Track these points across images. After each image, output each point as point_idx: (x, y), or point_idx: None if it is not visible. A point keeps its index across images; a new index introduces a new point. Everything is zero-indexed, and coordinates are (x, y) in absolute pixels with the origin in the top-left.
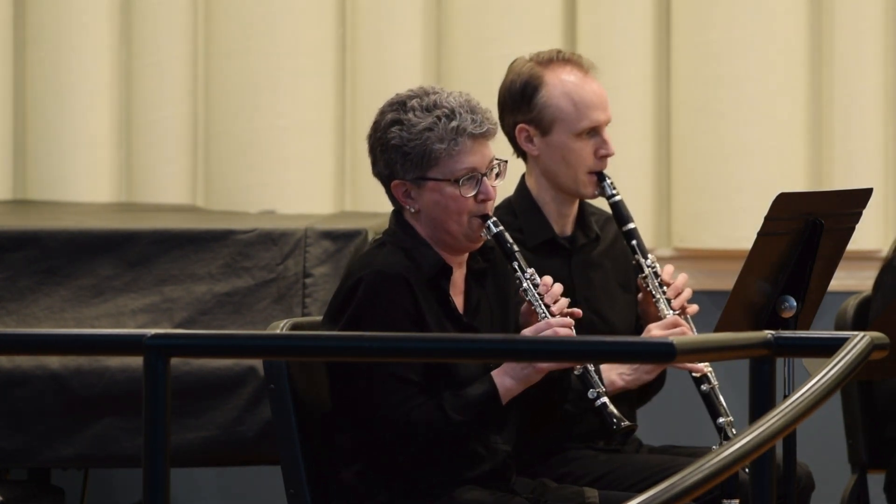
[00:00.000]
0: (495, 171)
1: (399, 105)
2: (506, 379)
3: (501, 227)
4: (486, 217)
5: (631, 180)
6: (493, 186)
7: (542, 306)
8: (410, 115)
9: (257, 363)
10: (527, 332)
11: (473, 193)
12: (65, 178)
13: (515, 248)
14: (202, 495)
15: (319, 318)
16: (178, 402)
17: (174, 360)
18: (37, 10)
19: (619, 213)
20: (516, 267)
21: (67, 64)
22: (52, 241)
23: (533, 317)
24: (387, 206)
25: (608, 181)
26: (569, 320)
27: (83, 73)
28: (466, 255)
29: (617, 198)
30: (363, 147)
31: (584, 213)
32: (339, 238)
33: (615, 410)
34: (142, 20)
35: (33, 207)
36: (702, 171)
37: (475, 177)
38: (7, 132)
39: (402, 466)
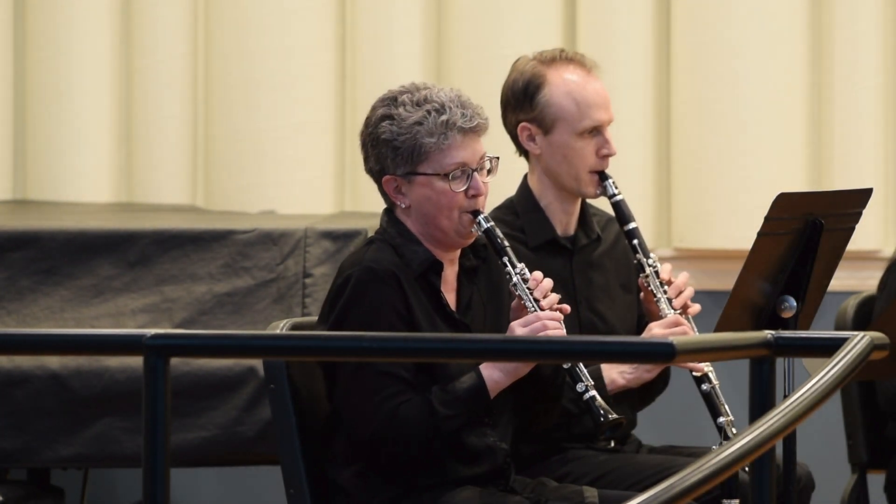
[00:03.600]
0: (486, 167)
1: (390, 101)
2: (494, 372)
3: (492, 223)
4: (476, 213)
5: (631, 180)
6: (484, 182)
7: (532, 300)
8: (401, 109)
9: (257, 363)
10: (515, 324)
11: (464, 188)
12: (65, 178)
13: (506, 243)
14: (202, 495)
15: None
16: (178, 402)
17: (174, 360)
18: (37, 10)
19: (621, 213)
20: (507, 262)
21: (67, 64)
22: (52, 241)
23: (522, 312)
24: None
25: (610, 181)
26: (558, 314)
27: (83, 72)
28: (458, 252)
29: (619, 197)
30: None
31: (586, 213)
32: (339, 238)
33: (603, 403)
34: (142, 20)
35: (33, 207)
36: (702, 171)
37: (465, 172)
38: (7, 132)
39: (398, 466)
